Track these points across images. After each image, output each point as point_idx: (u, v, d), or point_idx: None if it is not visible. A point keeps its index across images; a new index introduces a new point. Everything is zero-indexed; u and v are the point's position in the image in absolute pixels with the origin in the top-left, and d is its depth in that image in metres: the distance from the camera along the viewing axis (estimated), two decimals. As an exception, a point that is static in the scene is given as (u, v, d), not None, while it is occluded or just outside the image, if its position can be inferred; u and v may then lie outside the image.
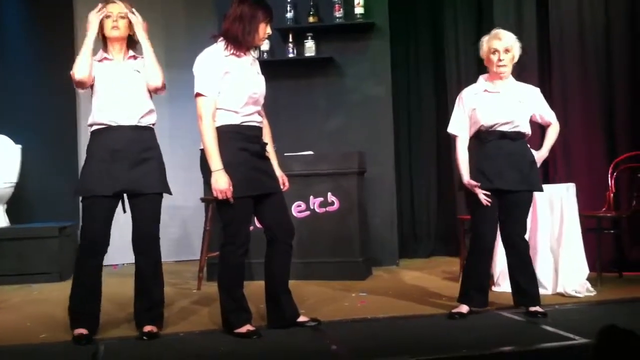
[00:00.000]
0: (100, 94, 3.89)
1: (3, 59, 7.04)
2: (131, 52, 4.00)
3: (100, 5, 3.93)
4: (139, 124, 3.89)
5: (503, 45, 4.14)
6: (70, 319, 3.89)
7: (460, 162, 4.22)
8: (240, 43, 3.85)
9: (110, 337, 3.91)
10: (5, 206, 6.58)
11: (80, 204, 3.91)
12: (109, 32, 3.92)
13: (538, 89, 4.37)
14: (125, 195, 3.90)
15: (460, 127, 4.26)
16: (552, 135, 4.36)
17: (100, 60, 3.94)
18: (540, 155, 4.32)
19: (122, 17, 3.92)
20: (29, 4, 7.15)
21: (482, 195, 4.09)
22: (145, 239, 3.90)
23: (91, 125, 3.91)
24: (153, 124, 3.98)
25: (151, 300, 3.93)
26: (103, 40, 3.98)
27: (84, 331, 3.81)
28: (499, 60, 4.14)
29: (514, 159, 4.15)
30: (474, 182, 4.12)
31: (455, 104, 4.33)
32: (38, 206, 6.74)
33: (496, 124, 4.13)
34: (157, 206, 3.94)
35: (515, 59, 4.21)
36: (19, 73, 6.84)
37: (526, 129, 4.21)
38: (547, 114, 4.34)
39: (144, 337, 3.83)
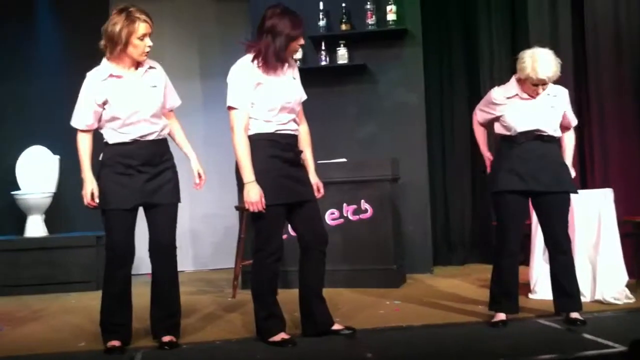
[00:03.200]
0: (118, 115, 3.77)
1: (39, 71, 7.16)
2: (144, 65, 3.85)
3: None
4: (157, 138, 3.86)
5: (544, 80, 4.02)
6: (102, 332, 3.88)
7: (477, 136, 4.44)
8: (268, 60, 3.80)
9: (145, 346, 3.93)
10: (44, 216, 6.68)
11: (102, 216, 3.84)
12: (138, 56, 3.75)
13: (567, 90, 4.30)
14: (142, 206, 3.86)
15: (481, 115, 4.35)
16: (570, 143, 4.33)
17: (105, 79, 3.77)
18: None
19: (149, 37, 3.76)
20: (64, 16, 7.26)
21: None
22: (162, 249, 3.88)
23: (106, 141, 3.84)
24: (167, 134, 3.97)
25: (168, 310, 3.91)
26: (117, 51, 3.73)
27: (116, 343, 3.81)
28: (536, 92, 4.08)
29: (547, 161, 4.11)
30: (489, 158, 4.36)
31: (486, 96, 4.32)
32: (76, 216, 6.80)
33: (529, 130, 4.09)
34: (174, 215, 3.91)
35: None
36: (56, 84, 6.92)
37: (558, 133, 4.19)
38: (570, 115, 4.28)
39: (166, 347, 3.82)
